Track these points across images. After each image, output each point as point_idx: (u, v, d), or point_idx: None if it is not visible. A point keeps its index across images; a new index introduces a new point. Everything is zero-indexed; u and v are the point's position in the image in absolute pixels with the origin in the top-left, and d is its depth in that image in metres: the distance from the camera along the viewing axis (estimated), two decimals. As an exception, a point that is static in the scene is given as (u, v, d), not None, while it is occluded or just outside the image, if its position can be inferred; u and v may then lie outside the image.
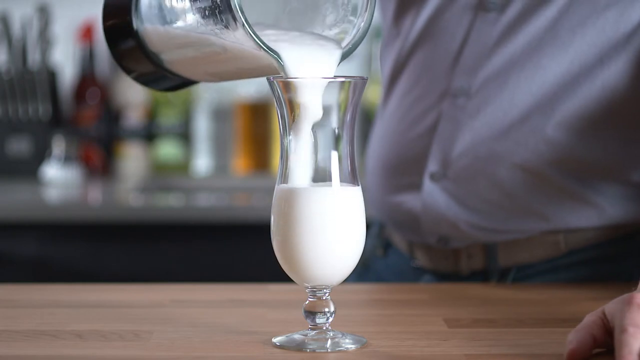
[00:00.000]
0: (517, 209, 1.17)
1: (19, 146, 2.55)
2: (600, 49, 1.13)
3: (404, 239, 1.27)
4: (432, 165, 1.20)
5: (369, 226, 0.91)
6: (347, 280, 0.92)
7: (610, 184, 1.16)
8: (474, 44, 1.18)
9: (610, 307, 0.85)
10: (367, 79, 0.89)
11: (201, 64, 0.98)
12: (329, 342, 0.89)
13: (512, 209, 1.17)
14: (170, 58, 0.99)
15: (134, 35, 0.99)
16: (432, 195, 1.20)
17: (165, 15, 0.95)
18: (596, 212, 1.17)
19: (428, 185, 1.20)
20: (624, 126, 1.15)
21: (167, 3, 0.94)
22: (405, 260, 1.28)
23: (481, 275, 1.21)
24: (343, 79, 0.88)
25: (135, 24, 0.99)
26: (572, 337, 0.84)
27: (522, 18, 1.16)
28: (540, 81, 1.15)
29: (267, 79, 0.89)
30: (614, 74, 1.13)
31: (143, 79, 1.05)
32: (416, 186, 1.22)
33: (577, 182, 1.16)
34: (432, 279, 1.25)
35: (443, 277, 1.24)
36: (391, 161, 1.25)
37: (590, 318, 0.85)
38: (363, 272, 1.31)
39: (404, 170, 1.23)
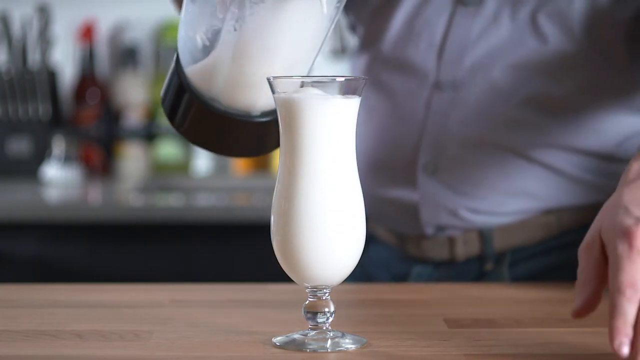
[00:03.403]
0: (509, 190, 1.20)
1: (19, 146, 2.55)
2: (578, 40, 1.16)
3: (392, 232, 1.28)
4: (424, 159, 1.22)
5: None
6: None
7: (599, 163, 1.20)
8: (455, 38, 1.21)
9: (607, 233, 0.80)
10: (367, 79, 0.89)
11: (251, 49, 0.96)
12: (329, 342, 0.89)
13: (505, 190, 1.20)
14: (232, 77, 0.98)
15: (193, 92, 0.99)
16: (429, 187, 1.22)
17: (206, 35, 0.96)
18: (581, 189, 1.20)
19: (423, 178, 1.22)
20: (606, 110, 1.19)
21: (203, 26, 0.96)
22: (391, 252, 1.29)
23: (477, 261, 1.23)
24: (343, 79, 0.88)
25: (185, 82, 0.99)
26: (578, 291, 0.80)
27: (501, 10, 1.19)
28: (524, 71, 1.18)
29: (267, 79, 0.89)
30: (594, 63, 1.17)
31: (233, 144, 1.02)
32: (411, 181, 1.23)
33: (565, 163, 1.19)
34: (423, 269, 1.25)
35: (437, 265, 1.25)
36: (381, 159, 1.27)
37: (590, 259, 0.81)
38: None
39: (396, 166, 1.25)
